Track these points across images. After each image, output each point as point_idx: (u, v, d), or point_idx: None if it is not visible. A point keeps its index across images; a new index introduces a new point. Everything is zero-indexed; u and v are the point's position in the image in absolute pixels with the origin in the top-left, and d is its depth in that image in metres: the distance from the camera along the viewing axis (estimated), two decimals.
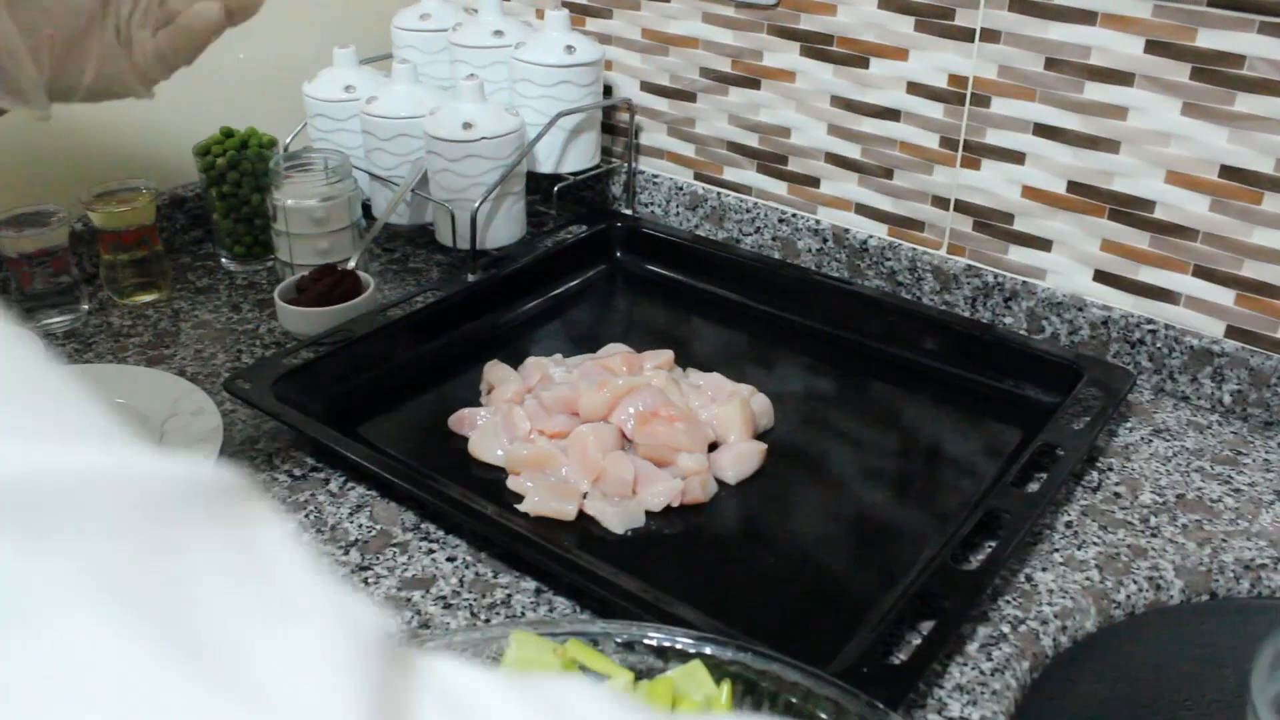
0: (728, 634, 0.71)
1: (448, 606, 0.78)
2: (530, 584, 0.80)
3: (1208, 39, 0.94)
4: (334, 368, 0.99)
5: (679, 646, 0.59)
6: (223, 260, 1.24)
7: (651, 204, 1.36)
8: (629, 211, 1.36)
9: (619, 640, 0.61)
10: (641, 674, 0.58)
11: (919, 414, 1.02)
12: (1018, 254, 1.11)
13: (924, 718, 0.69)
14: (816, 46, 1.17)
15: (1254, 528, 0.88)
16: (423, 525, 0.85)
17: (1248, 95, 0.94)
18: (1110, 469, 0.94)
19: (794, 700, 0.57)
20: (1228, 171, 0.97)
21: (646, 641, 0.61)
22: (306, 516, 0.86)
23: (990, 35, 1.05)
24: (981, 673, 0.73)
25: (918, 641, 0.73)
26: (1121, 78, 1.00)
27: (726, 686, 0.56)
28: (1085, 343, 1.08)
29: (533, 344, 1.11)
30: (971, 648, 0.75)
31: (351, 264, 1.13)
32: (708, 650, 0.59)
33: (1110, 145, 1.02)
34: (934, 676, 0.72)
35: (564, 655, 0.56)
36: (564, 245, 1.22)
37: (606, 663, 0.57)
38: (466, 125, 1.15)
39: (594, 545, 0.83)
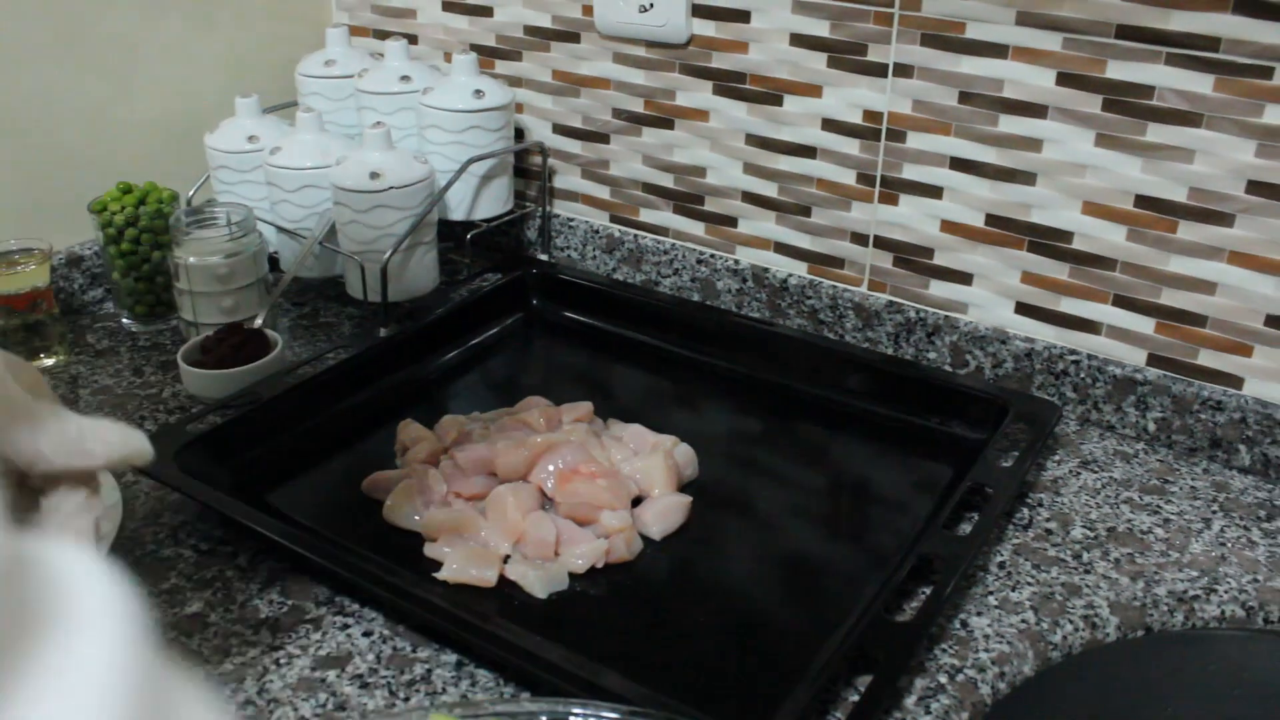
0: (657, 703, 0.68)
1: (364, 685, 0.74)
2: (451, 657, 0.76)
3: (1117, 70, 0.94)
4: (241, 433, 0.95)
5: None
6: (124, 321, 1.19)
7: (568, 248, 1.33)
8: (545, 257, 1.33)
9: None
10: None
11: (847, 455, 1.00)
12: (939, 288, 1.10)
13: None
14: (729, 85, 1.15)
15: (1184, 558, 0.87)
16: (337, 599, 0.81)
17: (1158, 125, 0.94)
18: (1040, 504, 0.93)
19: None
20: (1142, 201, 0.97)
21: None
22: (214, 595, 0.82)
23: (903, 70, 1.04)
24: None
25: (855, 699, 0.71)
26: (1035, 110, 0.99)
27: None
28: (1009, 375, 1.07)
29: (450, 398, 1.08)
30: (909, 701, 0.73)
31: (258, 322, 1.09)
32: None
33: (1027, 177, 1.02)
34: None
35: None
36: (479, 294, 1.19)
37: None
38: (374, 175, 1.11)
39: (516, 612, 0.80)
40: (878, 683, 0.69)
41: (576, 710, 0.59)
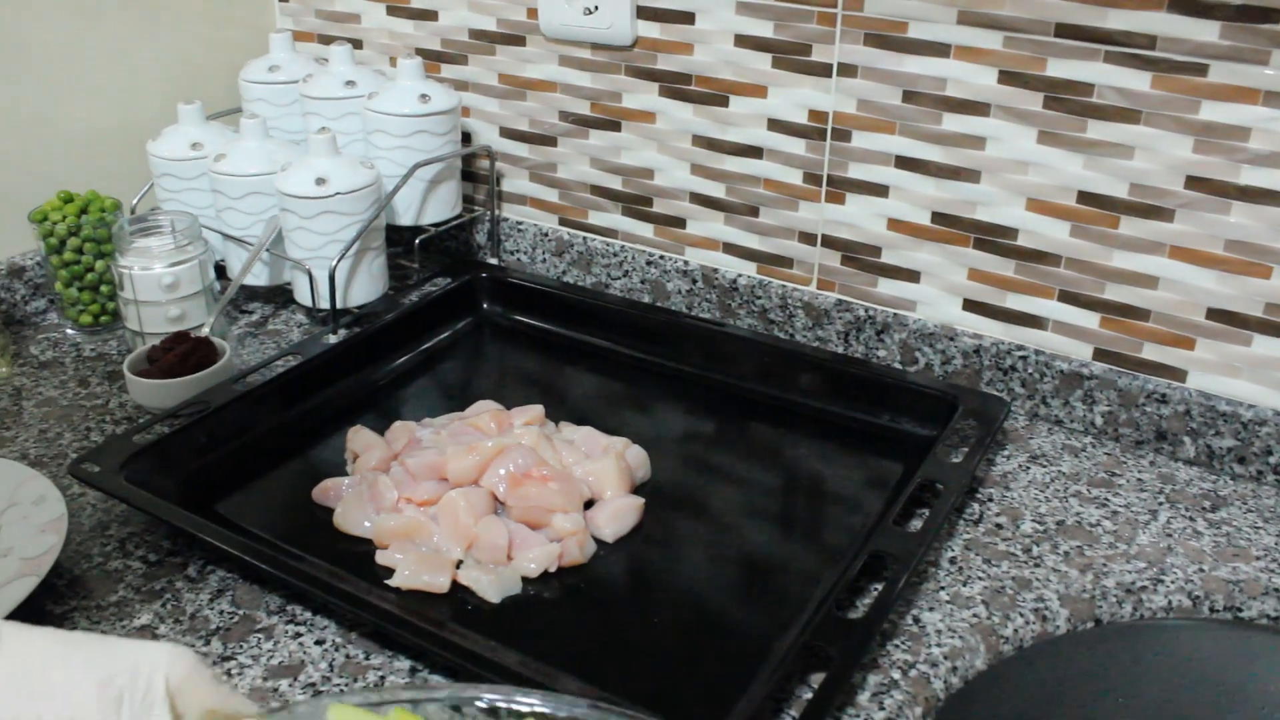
0: (612, 704, 0.68)
1: (317, 694, 0.73)
2: (404, 663, 0.76)
3: (1057, 68, 0.95)
4: (189, 442, 0.94)
5: (511, 706, 0.56)
6: (68, 331, 1.18)
7: (517, 251, 1.33)
8: (494, 260, 1.33)
9: (447, 704, 0.58)
10: None
11: (798, 454, 1.01)
12: (887, 286, 1.11)
13: None
14: (675, 86, 1.16)
15: (1132, 549, 0.89)
16: (289, 607, 0.81)
17: (1098, 122, 0.95)
18: (990, 499, 0.94)
19: None
20: (1085, 197, 0.98)
21: (478, 704, 0.58)
22: (164, 606, 0.81)
23: (847, 70, 1.05)
24: None
25: (809, 695, 0.71)
26: (977, 108, 1.00)
27: None
28: (959, 372, 1.08)
29: (401, 403, 1.07)
30: (863, 697, 0.74)
31: (205, 330, 1.08)
32: (540, 708, 0.56)
33: (971, 175, 1.03)
34: None
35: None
36: (428, 299, 1.19)
37: None
38: (320, 181, 1.11)
39: (470, 617, 0.79)
40: (831, 679, 0.69)
41: (485, 695, 0.58)
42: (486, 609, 0.81)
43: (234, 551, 0.81)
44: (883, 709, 0.73)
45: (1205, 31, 0.89)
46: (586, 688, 0.70)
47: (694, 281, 1.21)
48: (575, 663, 0.74)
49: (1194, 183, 0.93)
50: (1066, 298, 1.02)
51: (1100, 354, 1.03)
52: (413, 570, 0.82)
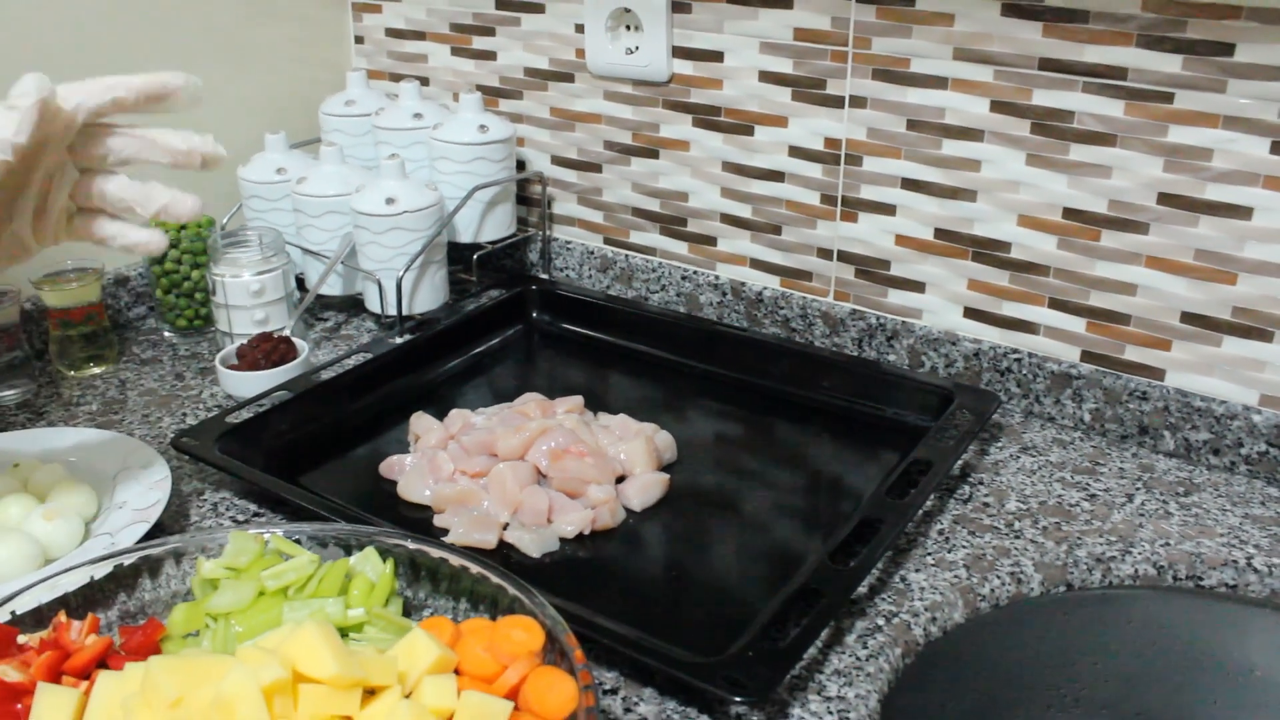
0: (637, 640, 0.80)
1: None
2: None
3: (1042, 98, 1.07)
4: (272, 425, 1.08)
5: (358, 539, 0.80)
6: (165, 333, 1.33)
7: (566, 268, 1.46)
8: (545, 276, 1.46)
9: (313, 537, 0.80)
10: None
11: (812, 443, 1.12)
12: (896, 297, 1.22)
13: (805, 699, 0.78)
14: (707, 118, 1.29)
15: (1106, 525, 0.99)
16: None
17: (1080, 145, 1.06)
18: (981, 483, 1.05)
19: (440, 570, 0.78)
20: (1069, 213, 1.09)
21: (335, 536, 0.80)
22: None
23: (858, 101, 1.17)
24: (857, 659, 0.83)
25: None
26: (973, 134, 1.12)
27: (390, 563, 0.78)
28: (960, 374, 1.19)
29: (456, 399, 1.20)
30: (849, 639, 0.85)
31: (286, 331, 1.22)
32: (378, 539, 0.79)
33: (968, 195, 1.14)
34: (815, 665, 0.82)
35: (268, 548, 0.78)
36: (483, 308, 1.32)
37: (298, 550, 0.79)
38: (389, 200, 1.25)
39: (514, 570, 0.91)
40: (820, 612, 0.80)
41: (342, 528, 0.81)
42: (528, 563, 0.93)
43: (311, 507, 0.94)
44: (866, 648, 0.84)
45: (1170, 64, 1.00)
46: (614, 624, 0.81)
47: (724, 294, 1.33)
48: (604, 606, 0.86)
49: (1165, 198, 1.04)
50: (1056, 305, 1.13)
51: (1087, 356, 1.13)
52: (465, 530, 0.94)
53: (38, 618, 0.75)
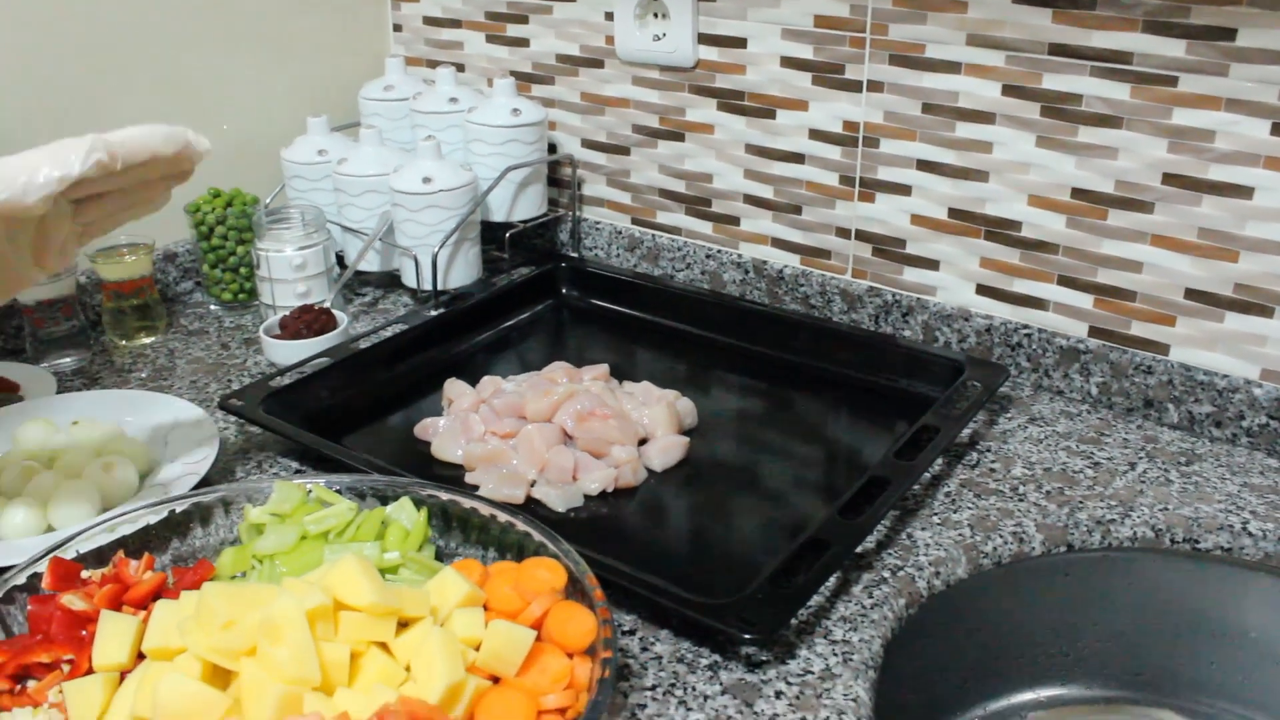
0: (656, 586, 0.85)
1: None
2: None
3: (1051, 82, 1.11)
4: (313, 389, 1.14)
5: (394, 489, 0.86)
6: (212, 307, 1.39)
7: (595, 248, 1.51)
8: (575, 255, 1.51)
9: (351, 489, 0.87)
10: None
11: (828, 412, 1.17)
12: (911, 274, 1.27)
13: (811, 641, 0.83)
14: (731, 102, 1.34)
15: (1108, 491, 1.03)
16: None
17: (1087, 128, 1.11)
18: (989, 450, 1.09)
19: (471, 520, 0.84)
20: (1077, 193, 1.13)
21: (371, 486, 0.87)
22: None
23: (875, 86, 1.22)
24: (863, 607, 0.87)
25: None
26: (985, 117, 1.16)
27: (424, 512, 0.84)
28: (973, 349, 1.23)
29: (487, 369, 1.25)
30: (856, 589, 0.89)
31: (327, 303, 1.28)
32: (412, 489, 0.85)
33: (981, 175, 1.18)
34: (822, 612, 0.86)
35: (310, 498, 0.84)
36: (515, 283, 1.38)
37: (338, 499, 0.85)
38: (426, 179, 1.30)
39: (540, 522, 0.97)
40: (827, 560, 0.85)
41: (378, 480, 0.87)
42: (553, 517, 0.98)
43: (350, 462, 1.00)
44: (871, 598, 0.89)
45: (1174, 48, 1.04)
46: (636, 572, 0.86)
47: (746, 272, 1.38)
48: (624, 556, 0.91)
49: (1169, 179, 1.08)
50: (1064, 282, 1.17)
51: (1094, 331, 1.17)
52: (495, 485, 1.00)
53: (99, 558, 0.81)
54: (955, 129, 1.18)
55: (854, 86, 1.24)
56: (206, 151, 0.83)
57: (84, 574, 0.79)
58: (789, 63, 1.27)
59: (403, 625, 0.72)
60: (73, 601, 0.75)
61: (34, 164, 0.73)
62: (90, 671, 0.72)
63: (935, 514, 0.99)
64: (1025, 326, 1.20)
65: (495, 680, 0.70)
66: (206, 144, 0.83)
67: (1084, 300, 1.17)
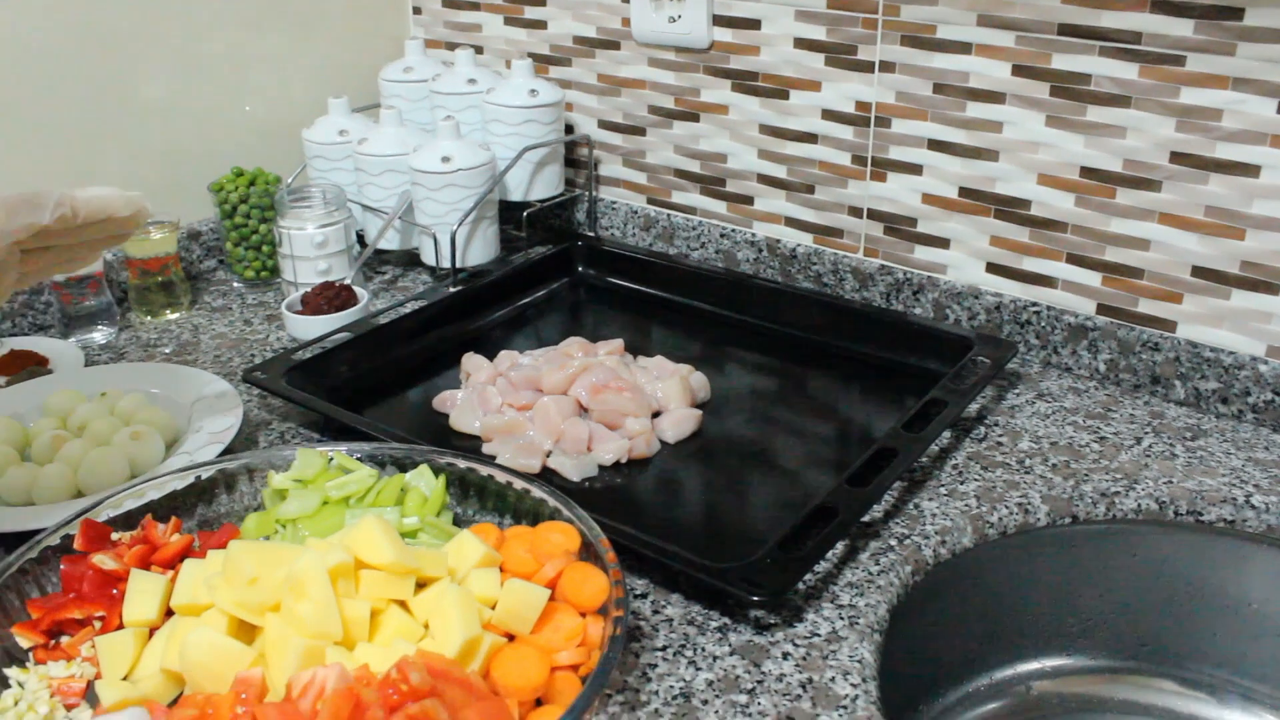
0: (670, 552, 0.87)
1: None
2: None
3: (1061, 62, 1.13)
4: (333, 363, 1.16)
5: (413, 457, 0.88)
6: (235, 284, 1.42)
7: (611, 227, 1.54)
8: (591, 234, 1.54)
9: (371, 456, 0.89)
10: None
11: (839, 387, 1.19)
12: (922, 253, 1.29)
13: (818, 605, 0.86)
14: (745, 83, 1.36)
15: (1113, 465, 1.05)
16: None
17: (1096, 107, 1.12)
18: (996, 425, 1.11)
19: (488, 487, 0.86)
20: (1086, 172, 1.15)
21: (391, 454, 0.89)
22: None
23: (887, 66, 1.24)
24: (869, 573, 0.89)
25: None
26: (995, 97, 1.18)
27: (442, 478, 0.86)
28: (983, 326, 1.25)
29: (504, 344, 1.27)
30: (864, 556, 0.91)
31: (348, 280, 1.31)
32: (431, 457, 0.88)
33: (991, 155, 1.20)
34: (830, 578, 0.89)
35: (331, 465, 0.87)
36: (532, 261, 1.40)
37: (359, 466, 0.87)
38: (445, 159, 1.33)
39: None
40: (837, 525, 0.87)
41: (396, 448, 0.89)
42: (568, 486, 1.01)
43: (371, 433, 1.02)
44: (878, 565, 0.91)
45: (1182, 28, 1.05)
46: (649, 538, 0.88)
47: (760, 251, 1.40)
48: (637, 524, 0.92)
49: (1177, 157, 1.10)
50: (1073, 260, 1.19)
51: (1102, 308, 1.19)
52: (511, 455, 1.02)
53: (128, 522, 0.83)
54: (966, 109, 1.20)
55: (866, 67, 1.25)
56: (149, 217, 0.86)
57: (114, 536, 0.82)
58: (802, 44, 1.29)
59: (421, 587, 0.75)
60: (104, 561, 0.78)
61: (12, 207, 0.76)
62: (121, 627, 0.75)
63: (943, 485, 1.01)
64: (1034, 304, 1.22)
65: (510, 638, 0.73)
66: (151, 212, 0.85)
67: (1092, 278, 1.18)
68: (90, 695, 0.72)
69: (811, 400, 1.16)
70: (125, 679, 0.72)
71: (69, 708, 0.71)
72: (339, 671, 0.63)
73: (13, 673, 0.73)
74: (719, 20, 1.35)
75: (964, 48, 1.18)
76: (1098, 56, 1.10)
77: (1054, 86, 1.14)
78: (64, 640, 0.75)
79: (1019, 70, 1.15)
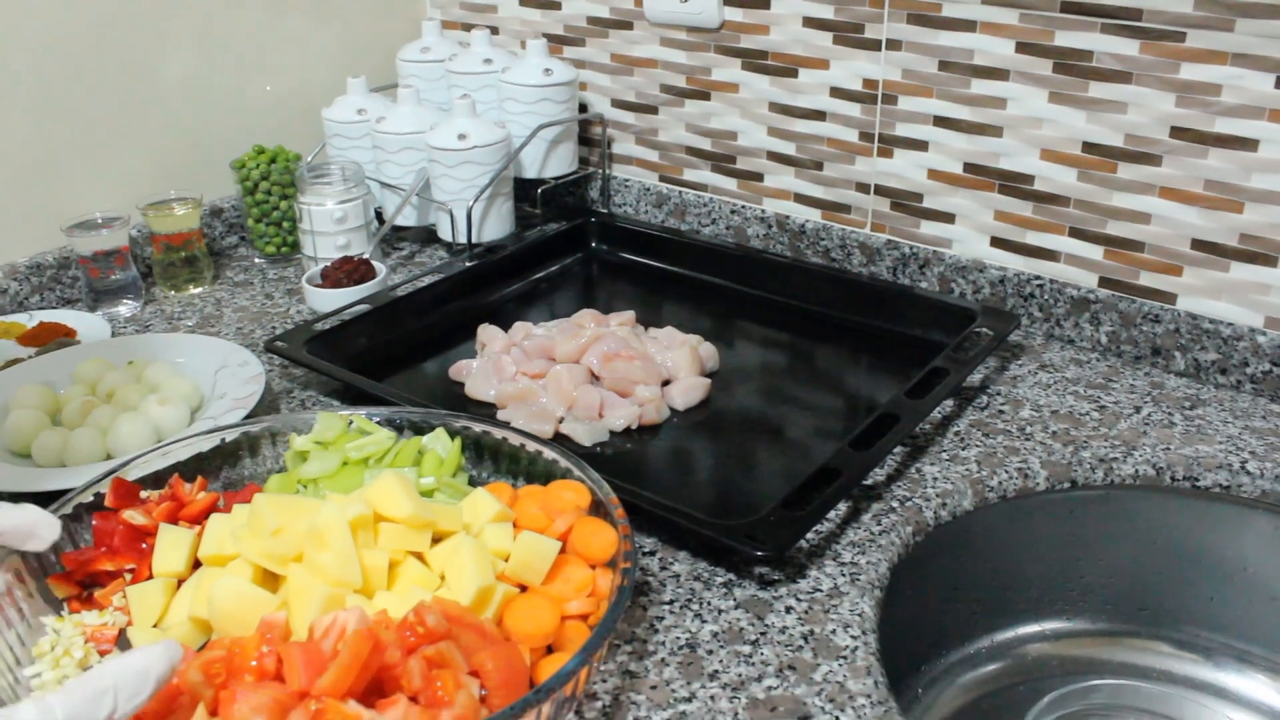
0: (679, 511, 0.90)
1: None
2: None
3: (1063, 39, 1.15)
4: (353, 334, 1.20)
5: (429, 421, 0.91)
6: (256, 259, 1.45)
7: (624, 204, 1.56)
8: (605, 210, 1.57)
9: (390, 420, 0.92)
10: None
11: (846, 357, 1.21)
12: (928, 228, 1.31)
13: (821, 563, 0.89)
14: (755, 61, 1.38)
15: (1112, 432, 1.07)
16: None
17: (1098, 83, 1.14)
18: (999, 394, 1.14)
19: (502, 450, 0.89)
20: (1088, 147, 1.17)
21: (409, 419, 0.92)
22: None
23: (893, 44, 1.26)
24: (871, 533, 0.92)
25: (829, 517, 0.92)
26: (999, 74, 1.20)
27: (458, 441, 0.89)
28: (987, 299, 1.28)
29: (519, 317, 1.30)
30: (866, 517, 0.94)
31: (366, 255, 1.34)
32: (447, 421, 0.91)
33: (995, 131, 1.22)
34: (833, 537, 0.91)
35: (350, 428, 0.90)
36: (546, 237, 1.43)
37: (377, 429, 0.90)
38: (461, 136, 1.36)
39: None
40: (837, 487, 0.90)
41: (414, 413, 0.92)
42: (580, 451, 1.04)
43: (386, 397, 1.05)
44: (880, 525, 0.93)
45: (1182, 4, 1.07)
46: (659, 499, 0.91)
47: (770, 227, 1.43)
48: (647, 487, 0.95)
49: (1177, 132, 1.12)
50: (1075, 234, 1.21)
51: (1104, 281, 1.21)
52: (525, 421, 1.05)
53: (156, 482, 0.87)
54: (970, 86, 1.22)
55: (873, 45, 1.28)
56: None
57: (142, 495, 0.85)
58: (810, 23, 1.32)
59: (437, 541, 0.78)
60: (133, 517, 0.81)
61: None
62: (150, 578, 0.78)
63: (944, 451, 1.04)
64: (1037, 277, 1.24)
65: (523, 589, 0.76)
66: (57, 534, 0.73)
67: (1094, 251, 1.21)
68: (122, 642, 0.76)
69: (819, 371, 1.19)
70: (155, 626, 0.76)
71: (102, 654, 0.75)
72: (359, 614, 0.66)
73: (49, 621, 0.76)
74: (729, 0, 1.37)
75: (969, 25, 1.20)
76: (1099, 33, 1.13)
77: (1056, 63, 1.16)
78: (97, 591, 0.79)
79: (1022, 47, 1.18)
